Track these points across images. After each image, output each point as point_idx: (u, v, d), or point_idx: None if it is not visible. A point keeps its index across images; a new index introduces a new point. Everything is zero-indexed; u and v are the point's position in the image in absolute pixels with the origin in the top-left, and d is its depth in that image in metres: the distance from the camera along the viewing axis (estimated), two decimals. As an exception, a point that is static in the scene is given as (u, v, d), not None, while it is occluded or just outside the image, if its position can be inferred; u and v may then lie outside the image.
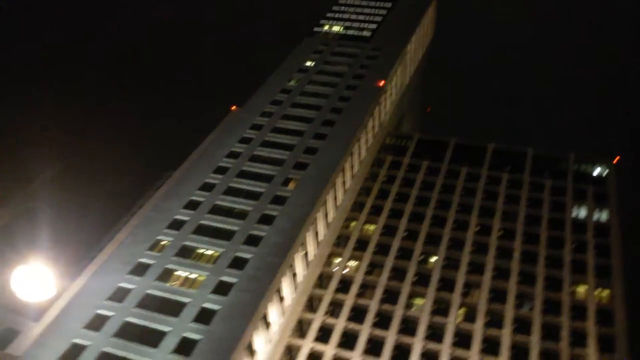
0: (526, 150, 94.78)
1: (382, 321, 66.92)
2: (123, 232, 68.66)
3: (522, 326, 66.07)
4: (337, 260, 76.26)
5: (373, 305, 68.89)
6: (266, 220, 68.02)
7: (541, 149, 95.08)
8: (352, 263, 75.83)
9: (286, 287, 63.67)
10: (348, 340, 64.72)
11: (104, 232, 70.78)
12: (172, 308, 56.75)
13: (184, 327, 54.51)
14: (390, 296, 70.13)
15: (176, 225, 67.85)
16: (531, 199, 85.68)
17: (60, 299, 58.27)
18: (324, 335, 65.74)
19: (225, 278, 60.06)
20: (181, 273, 61.49)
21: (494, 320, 66.78)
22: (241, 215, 69.08)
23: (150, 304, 57.55)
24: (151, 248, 64.66)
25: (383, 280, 72.23)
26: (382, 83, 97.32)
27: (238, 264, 61.93)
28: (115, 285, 59.85)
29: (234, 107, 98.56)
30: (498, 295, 69.97)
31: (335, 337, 65.30)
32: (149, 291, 59.07)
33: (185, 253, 63.99)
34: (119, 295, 58.70)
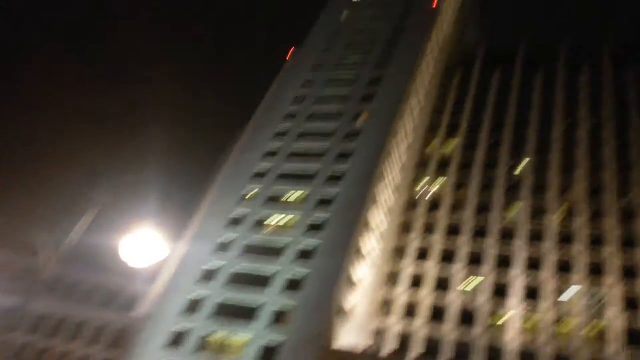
0: (600, 43, 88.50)
1: (480, 233, 66.27)
2: (213, 189, 71.24)
3: (627, 215, 63.39)
4: (424, 181, 75.50)
5: (467, 219, 68.11)
6: (344, 155, 68.12)
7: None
8: (439, 182, 74.83)
9: (377, 216, 64.18)
10: (448, 257, 64.80)
11: (198, 191, 73.65)
12: (273, 251, 58.88)
13: (288, 267, 56.57)
14: (484, 207, 69.01)
15: (259, 175, 69.41)
16: (615, 88, 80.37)
17: (170, 261, 61.79)
18: (422, 255, 66.08)
19: (316, 216, 61.27)
20: (274, 219, 63.24)
21: (597, 215, 64.43)
22: (319, 155, 69.51)
23: (253, 251, 59.96)
24: (240, 201, 66.73)
25: (473, 193, 71.04)
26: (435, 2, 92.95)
27: (326, 201, 62.86)
28: (216, 241, 62.59)
29: (291, 50, 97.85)
30: (597, 189, 67.15)
31: (434, 255, 65.44)
32: (248, 241, 61.37)
33: (274, 200, 65.60)
34: (222, 249, 61.45)
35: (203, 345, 53.40)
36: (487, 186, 71.61)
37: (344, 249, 56.92)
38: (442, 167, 76.56)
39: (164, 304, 57.97)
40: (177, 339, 54.38)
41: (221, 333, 53.82)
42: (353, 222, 59.36)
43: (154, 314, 57.16)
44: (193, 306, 56.87)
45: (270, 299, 54.63)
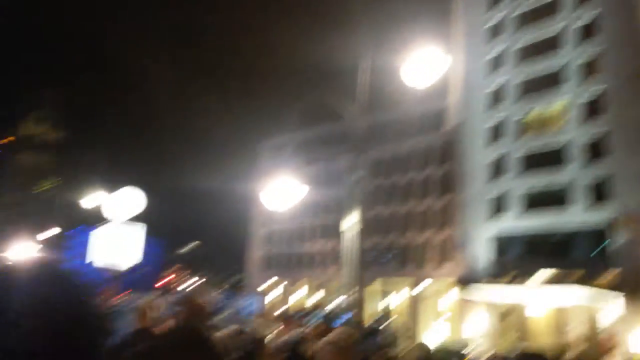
0: None
1: None
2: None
3: None
4: None
5: None
6: None
7: None
8: None
9: None
10: None
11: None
12: (552, 44, 53.29)
13: (572, 52, 51.17)
14: None
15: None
16: None
17: (454, 67, 60.67)
18: None
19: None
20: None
21: None
22: None
23: (528, 53, 55.13)
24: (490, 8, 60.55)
25: None
26: None
27: None
28: (484, 27, 59.52)
29: None
30: None
31: None
32: (519, 45, 56.16)
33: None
34: (494, 33, 58.37)
35: (523, 128, 53.56)
36: None
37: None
38: None
39: (468, 108, 59.07)
40: (496, 134, 55.65)
41: (535, 109, 53.04)
42: None
43: (464, 122, 58.91)
44: (495, 97, 56.73)
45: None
